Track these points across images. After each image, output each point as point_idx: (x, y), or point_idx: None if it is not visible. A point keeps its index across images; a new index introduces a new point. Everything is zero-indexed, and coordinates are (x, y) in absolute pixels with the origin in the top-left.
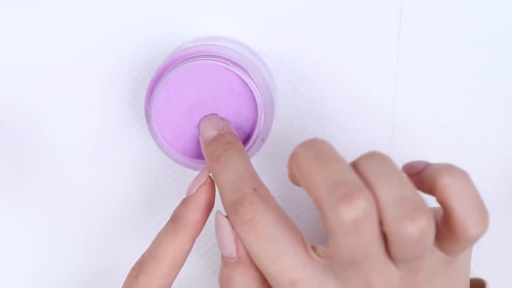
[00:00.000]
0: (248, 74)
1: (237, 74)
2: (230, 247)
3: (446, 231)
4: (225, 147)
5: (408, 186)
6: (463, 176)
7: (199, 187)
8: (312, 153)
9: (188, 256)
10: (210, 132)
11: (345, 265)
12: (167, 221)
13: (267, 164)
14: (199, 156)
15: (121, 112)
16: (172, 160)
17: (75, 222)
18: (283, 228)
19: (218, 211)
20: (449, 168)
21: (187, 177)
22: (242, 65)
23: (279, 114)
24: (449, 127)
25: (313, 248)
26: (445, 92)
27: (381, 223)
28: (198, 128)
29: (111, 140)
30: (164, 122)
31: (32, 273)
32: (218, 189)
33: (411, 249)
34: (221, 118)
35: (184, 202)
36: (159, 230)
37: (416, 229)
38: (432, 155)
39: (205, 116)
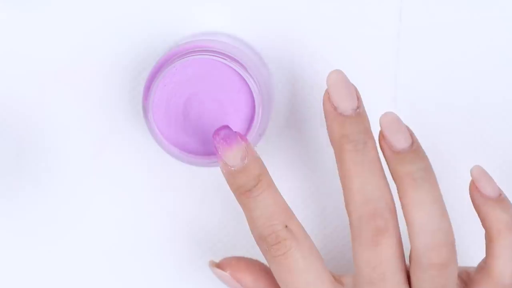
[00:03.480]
0: (246, 69)
1: (234, 69)
2: (235, 286)
3: (480, 276)
4: (254, 181)
5: (445, 220)
6: None
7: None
8: (359, 154)
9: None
10: (233, 160)
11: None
12: (166, 220)
13: (264, 161)
14: (197, 151)
15: (118, 108)
16: (170, 155)
17: (75, 221)
18: (311, 261)
19: (213, 267)
20: (511, 225)
21: (185, 172)
22: (239, 61)
23: (278, 112)
24: (449, 127)
25: (339, 277)
26: (445, 92)
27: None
28: (214, 146)
29: (109, 136)
30: (161, 117)
31: (32, 273)
32: (247, 220)
33: (430, 280)
34: (239, 137)
35: None
36: None
37: (438, 261)
38: (432, 156)
39: (219, 131)
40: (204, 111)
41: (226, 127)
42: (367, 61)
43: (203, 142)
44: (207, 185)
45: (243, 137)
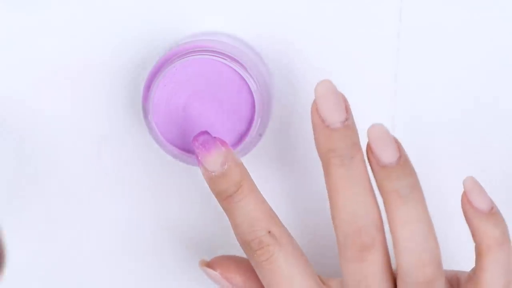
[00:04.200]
0: (246, 69)
1: (234, 69)
2: (227, 287)
3: (469, 287)
4: (234, 187)
5: (431, 239)
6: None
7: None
8: (346, 169)
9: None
10: (213, 166)
11: None
12: (166, 220)
13: (264, 161)
14: None
15: (118, 108)
16: (169, 155)
17: (75, 221)
18: (296, 265)
19: (203, 267)
20: (501, 241)
21: (184, 172)
22: (239, 61)
23: (277, 112)
24: (449, 127)
25: (327, 280)
26: (445, 92)
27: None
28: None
29: (109, 136)
30: (161, 117)
31: (31, 273)
32: (231, 226)
33: None
34: (219, 142)
35: None
36: None
37: (423, 279)
38: (432, 156)
39: (197, 137)
40: (204, 111)
41: (205, 132)
42: (367, 61)
43: None
44: (206, 185)
45: (223, 142)
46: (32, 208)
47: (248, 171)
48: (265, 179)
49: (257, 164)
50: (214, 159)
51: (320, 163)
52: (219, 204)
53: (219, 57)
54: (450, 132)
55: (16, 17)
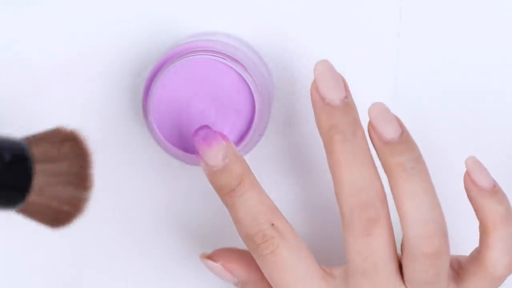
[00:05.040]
0: (246, 69)
1: (234, 69)
2: (230, 280)
3: (472, 266)
4: (236, 181)
5: (437, 210)
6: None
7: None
8: (349, 144)
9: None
10: (214, 160)
11: (357, 278)
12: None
13: (264, 161)
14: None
15: (118, 108)
16: (170, 155)
17: (75, 221)
18: (299, 258)
19: (205, 259)
20: (506, 217)
21: (185, 171)
22: (239, 61)
23: (277, 112)
24: (449, 127)
25: (330, 269)
26: (445, 92)
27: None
28: (194, 141)
29: (109, 136)
30: (162, 117)
31: (30, 273)
32: (233, 221)
33: (422, 270)
34: (220, 136)
35: None
36: None
37: (431, 251)
38: (432, 156)
39: (198, 131)
40: (204, 111)
41: (206, 126)
42: (367, 61)
43: None
44: (206, 185)
45: (224, 136)
46: None
47: None
48: (265, 179)
49: (257, 164)
50: (215, 153)
51: (320, 163)
52: (220, 204)
53: (219, 57)
54: (450, 132)
55: (16, 17)
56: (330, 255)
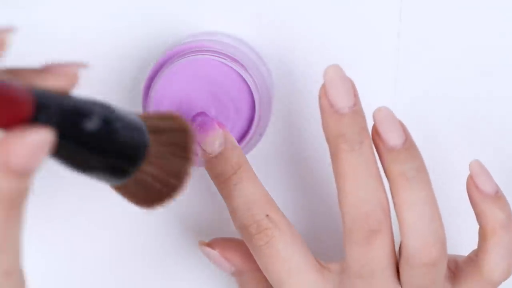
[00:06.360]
0: (246, 69)
1: (234, 69)
2: (226, 268)
3: (469, 268)
4: (232, 169)
5: (436, 220)
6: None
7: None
8: (355, 155)
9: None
10: (211, 146)
11: (353, 279)
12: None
13: (264, 161)
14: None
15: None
16: None
17: (74, 221)
18: (294, 249)
19: (202, 246)
20: (506, 224)
21: None
22: (239, 60)
23: (277, 112)
24: (449, 127)
25: (326, 264)
26: (445, 92)
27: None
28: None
29: None
30: None
31: (30, 271)
32: (229, 210)
33: (419, 277)
34: (216, 124)
35: None
36: None
37: (429, 260)
38: (432, 155)
39: (195, 118)
40: (204, 111)
41: (203, 113)
42: (367, 61)
43: None
44: (206, 184)
45: (220, 124)
46: (32, 208)
47: None
48: (265, 179)
49: (257, 164)
50: (212, 139)
51: (319, 163)
52: (219, 204)
53: (219, 57)
54: (450, 132)
55: (16, 16)
56: (329, 255)
